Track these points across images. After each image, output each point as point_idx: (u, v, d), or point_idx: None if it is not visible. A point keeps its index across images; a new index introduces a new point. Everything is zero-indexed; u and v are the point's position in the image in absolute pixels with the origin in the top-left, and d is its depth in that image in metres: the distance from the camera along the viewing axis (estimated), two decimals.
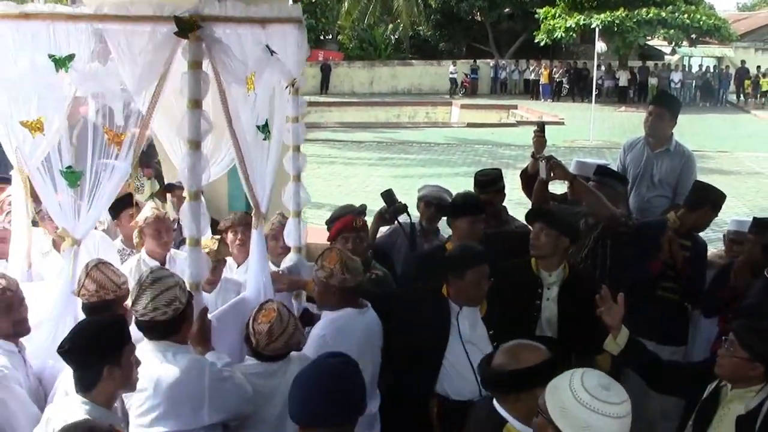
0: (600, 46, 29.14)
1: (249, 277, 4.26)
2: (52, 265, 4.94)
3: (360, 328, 4.05)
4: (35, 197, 4.58)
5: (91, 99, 3.99)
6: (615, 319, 3.77)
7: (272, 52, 3.95)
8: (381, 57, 41.66)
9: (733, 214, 10.10)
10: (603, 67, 35.96)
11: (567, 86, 38.25)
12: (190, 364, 3.41)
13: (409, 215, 5.39)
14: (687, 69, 38.86)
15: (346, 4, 41.28)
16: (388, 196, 5.33)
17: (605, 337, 3.82)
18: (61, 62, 3.64)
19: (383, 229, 5.68)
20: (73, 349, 3.00)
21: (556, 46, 39.87)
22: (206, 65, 3.55)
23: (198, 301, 3.69)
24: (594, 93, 28.26)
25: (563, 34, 36.53)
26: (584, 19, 35.57)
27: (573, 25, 36.02)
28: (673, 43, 38.84)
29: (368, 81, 39.31)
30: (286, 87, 4.34)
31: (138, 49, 3.54)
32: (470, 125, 27.90)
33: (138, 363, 3.16)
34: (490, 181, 5.62)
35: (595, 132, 23.93)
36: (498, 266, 4.36)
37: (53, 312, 3.98)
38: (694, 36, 37.53)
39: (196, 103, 3.49)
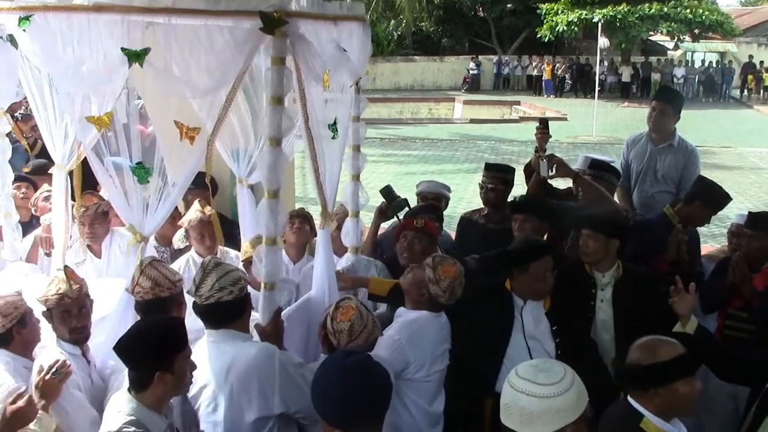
0: (602, 41, 29.11)
1: (315, 276, 4.21)
2: (88, 272, 4.93)
3: (434, 330, 4.00)
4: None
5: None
6: (687, 307, 3.78)
7: (343, 50, 3.91)
8: (383, 53, 41.47)
9: (736, 209, 10.10)
10: (606, 63, 35.96)
11: (570, 82, 38.22)
12: (260, 350, 3.40)
13: (410, 209, 5.33)
14: (690, 64, 38.82)
15: None
16: (387, 192, 5.30)
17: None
18: (135, 56, 3.54)
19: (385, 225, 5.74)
20: (127, 350, 3.01)
21: (559, 41, 39.78)
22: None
23: (272, 301, 3.64)
24: (597, 88, 28.24)
25: (565, 29, 36.44)
26: (586, 14, 35.49)
27: (575, 20, 35.91)
28: (676, 39, 38.83)
29: (371, 77, 38.92)
30: (351, 85, 4.28)
31: (219, 44, 3.47)
32: (473, 121, 27.85)
33: (193, 367, 3.12)
34: (506, 169, 5.66)
35: (598, 128, 23.94)
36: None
37: (116, 309, 3.95)
38: (696, 31, 37.48)
39: (278, 101, 3.42)
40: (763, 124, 28.05)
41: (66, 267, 3.76)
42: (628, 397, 3.01)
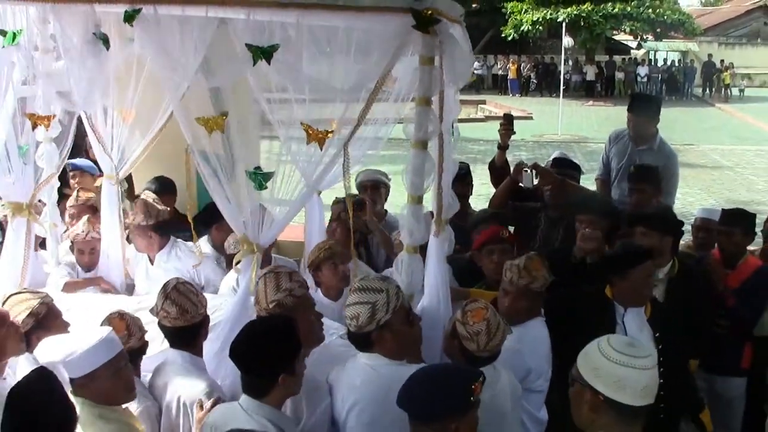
0: (567, 40, 29.46)
1: (427, 285, 3.99)
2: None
3: (546, 336, 3.91)
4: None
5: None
6: None
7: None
8: None
9: (699, 205, 10.40)
10: (570, 62, 36.32)
11: (535, 81, 38.58)
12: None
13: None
14: (653, 63, 39.52)
15: None
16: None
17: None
18: (262, 54, 3.32)
19: None
20: (248, 355, 2.92)
21: (524, 41, 40.06)
22: None
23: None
24: (562, 87, 28.54)
25: (530, 29, 36.74)
26: (551, 14, 35.87)
27: (540, 20, 36.26)
28: (639, 38, 39.48)
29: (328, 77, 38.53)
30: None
31: (361, 42, 3.28)
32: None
33: (305, 366, 3.02)
34: (465, 174, 5.58)
35: (564, 126, 24.30)
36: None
37: (229, 319, 3.76)
38: (659, 30, 38.19)
39: (426, 102, 3.25)
40: (725, 121, 28.67)
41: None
42: None
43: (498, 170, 5.69)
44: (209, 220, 5.16)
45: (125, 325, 3.44)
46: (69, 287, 4.64)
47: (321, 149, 3.43)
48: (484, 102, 33.11)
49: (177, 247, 4.95)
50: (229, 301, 3.99)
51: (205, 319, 3.59)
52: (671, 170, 6.01)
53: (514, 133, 5.66)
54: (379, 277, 3.29)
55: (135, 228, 4.78)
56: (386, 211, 5.93)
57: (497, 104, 32.21)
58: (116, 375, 3.06)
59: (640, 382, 2.57)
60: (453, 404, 2.71)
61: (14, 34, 3.86)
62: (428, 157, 3.30)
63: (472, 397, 2.74)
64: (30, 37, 4.05)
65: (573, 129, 24.34)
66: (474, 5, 41.24)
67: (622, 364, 2.59)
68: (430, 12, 3.15)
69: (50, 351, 3.09)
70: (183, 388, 3.35)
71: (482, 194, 5.98)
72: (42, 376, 2.73)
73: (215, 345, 3.70)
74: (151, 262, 4.94)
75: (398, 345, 3.20)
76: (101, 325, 3.38)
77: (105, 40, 3.85)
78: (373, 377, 3.18)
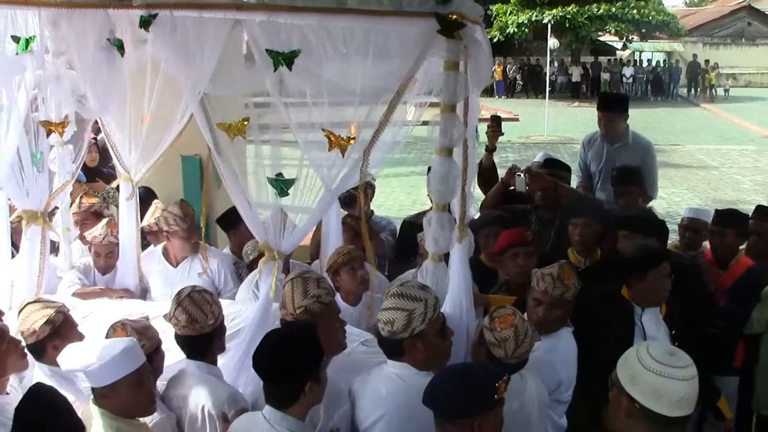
0: (552, 42, 29.51)
1: (451, 291, 3.93)
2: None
3: (576, 347, 3.87)
4: None
5: None
6: None
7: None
8: None
9: (685, 204, 10.53)
10: (556, 64, 36.45)
11: (521, 83, 38.64)
12: None
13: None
14: (638, 64, 39.68)
15: None
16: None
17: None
18: (283, 59, 3.28)
19: None
20: (274, 365, 2.86)
21: (509, 42, 40.13)
22: None
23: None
24: (547, 89, 28.61)
25: (516, 31, 36.80)
26: (536, 15, 35.93)
27: (525, 21, 36.32)
28: (624, 39, 39.64)
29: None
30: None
31: (381, 46, 3.25)
32: (425, 123, 27.65)
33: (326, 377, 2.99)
34: None
35: (550, 127, 24.28)
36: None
37: (250, 326, 3.72)
38: (644, 31, 38.39)
39: (452, 108, 3.23)
40: (710, 121, 28.82)
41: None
42: None
43: (486, 172, 5.69)
44: (227, 224, 5.17)
45: (126, 335, 3.32)
46: (79, 296, 4.58)
47: (343, 156, 3.39)
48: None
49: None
50: (248, 309, 3.94)
51: (217, 331, 3.48)
52: (649, 161, 6.11)
53: (502, 134, 5.69)
54: (419, 286, 3.24)
55: (173, 233, 4.75)
56: (372, 211, 5.92)
57: (483, 106, 31.40)
58: (139, 387, 3.00)
59: (678, 393, 2.55)
60: (478, 402, 2.70)
61: (27, 40, 3.79)
62: (454, 164, 3.26)
63: (496, 395, 2.72)
64: (41, 41, 3.98)
65: (559, 130, 24.39)
66: None
67: (659, 373, 2.57)
68: (455, 16, 3.12)
69: (71, 359, 3.02)
70: (206, 398, 3.29)
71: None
72: (40, 394, 2.71)
73: (236, 353, 3.65)
74: (173, 265, 4.90)
75: (428, 356, 3.16)
76: (106, 336, 3.32)
77: (120, 46, 3.80)
78: (401, 387, 3.15)
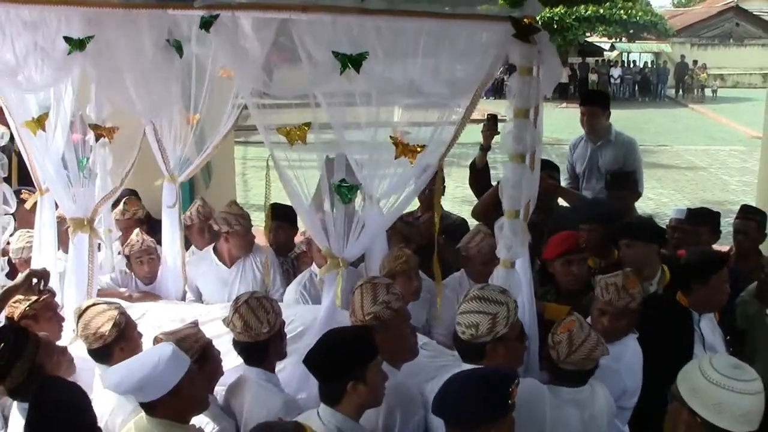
0: None
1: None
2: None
3: (641, 354, 3.83)
4: None
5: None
6: None
7: None
8: None
9: (673, 205, 10.66)
10: None
11: (508, 84, 38.49)
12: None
13: None
14: (626, 65, 39.83)
15: None
16: None
17: None
18: (350, 62, 3.26)
19: None
20: (316, 363, 2.92)
21: None
22: None
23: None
24: None
25: None
26: None
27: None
28: (612, 39, 39.76)
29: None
30: None
31: (456, 49, 3.23)
32: (413, 124, 27.62)
33: (385, 378, 2.99)
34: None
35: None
36: None
37: (311, 333, 3.71)
38: (632, 31, 38.53)
39: (525, 113, 3.21)
40: (698, 122, 28.96)
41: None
42: None
43: (479, 171, 5.68)
44: (286, 217, 5.02)
45: None
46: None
47: (412, 163, 3.36)
48: (458, 105, 32.99)
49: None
50: (301, 311, 3.95)
51: (274, 338, 3.43)
52: (633, 157, 6.14)
53: (498, 133, 5.51)
54: (499, 289, 3.22)
55: (234, 233, 4.69)
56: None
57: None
58: (192, 386, 2.94)
59: (742, 407, 2.49)
60: (490, 410, 2.67)
61: (82, 41, 3.72)
62: (527, 171, 3.24)
63: (510, 400, 2.69)
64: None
65: (547, 131, 23.29)
66: (447, 9, 41.36)
67: (722, 386, 2.51)
68: (528, 20, 3.10)
69: (119, 384, 2.92)
70: (260, 406, 3.28)
71: (457, 197, 5.92)
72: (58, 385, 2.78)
73: (295, 357, 3.58)
74: (227, 265, 4.84)
75: (507, 359, 3.15)
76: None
77: (178, 47, 3.76)
78: None
